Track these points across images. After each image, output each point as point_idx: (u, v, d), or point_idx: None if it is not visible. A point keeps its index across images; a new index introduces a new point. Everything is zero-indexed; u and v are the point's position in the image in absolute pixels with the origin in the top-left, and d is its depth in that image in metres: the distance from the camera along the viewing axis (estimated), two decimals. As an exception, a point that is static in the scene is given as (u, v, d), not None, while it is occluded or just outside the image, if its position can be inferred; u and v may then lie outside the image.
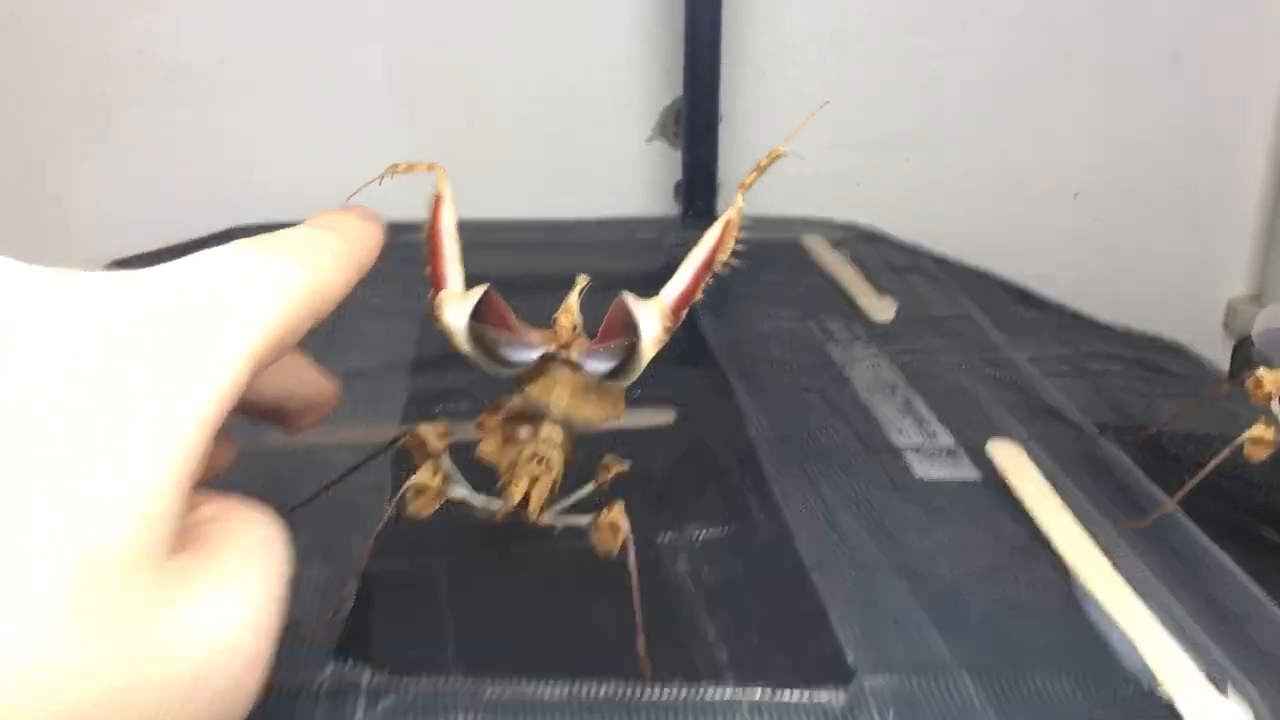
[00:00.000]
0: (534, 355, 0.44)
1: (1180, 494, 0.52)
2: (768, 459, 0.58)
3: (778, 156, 0.43)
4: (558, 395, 0.45)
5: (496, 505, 0.46)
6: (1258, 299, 1.07)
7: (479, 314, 0.44)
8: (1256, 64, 1.01)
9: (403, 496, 0.46)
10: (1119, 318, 0.82)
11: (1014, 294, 0.81)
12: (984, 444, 0.58)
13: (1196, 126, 1.03)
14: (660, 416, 0.64)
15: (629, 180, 0.99)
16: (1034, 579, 0.49)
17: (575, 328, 0.44)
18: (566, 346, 0.44)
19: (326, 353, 0.66)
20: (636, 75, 0.97)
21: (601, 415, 0.46)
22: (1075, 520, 0.52)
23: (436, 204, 0.45)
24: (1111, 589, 0.48)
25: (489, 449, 0.49)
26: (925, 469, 0.57)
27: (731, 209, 0.43)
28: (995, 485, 0.55)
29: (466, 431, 0.54)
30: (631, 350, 0.42)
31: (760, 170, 0.43)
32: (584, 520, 0.45)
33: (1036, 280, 0.88)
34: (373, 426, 0.61)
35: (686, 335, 0.73)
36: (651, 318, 0.43)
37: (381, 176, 0.47)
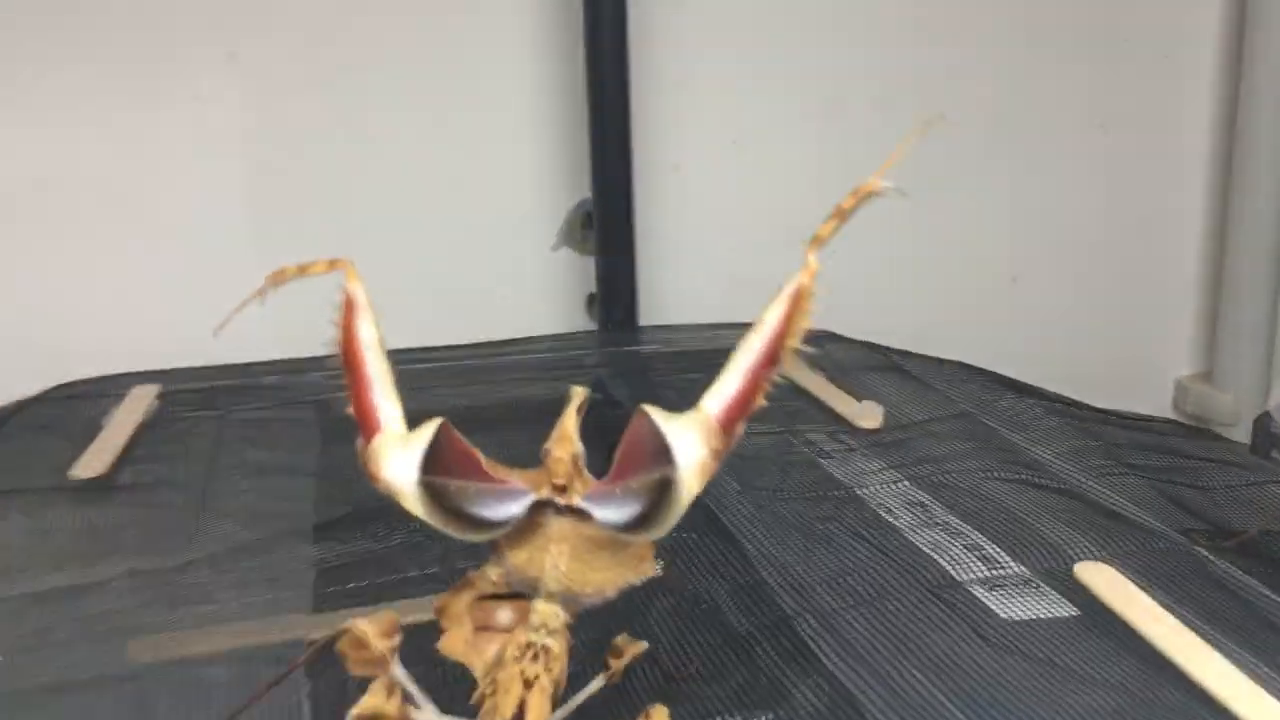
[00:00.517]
0: (521, 507, 0.31)
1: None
2: (799, 614, 0.45)
3: (869, 195, 0.32)
4: (555, 559, 0.32)
5: None
6: (1206, 377, 1.00)
7: (433, 461, 0.31)
8: (1179, 129, 0.96)
9: None
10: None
11: (1005, 385, 0.71)
12: (1062, 569, 0.47)
13: (1129, 200, 0.97)
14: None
15: (534, 295, 0.87)
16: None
17: (576, 460, 0.31)
18: (564, 490, 0.31)
19: (199, 525, 0.51)
20: (536, 177, 0.85)
21: (617, 581, 0.33)
22: (1223, 657, 0.40)
23: (348, 312, 0.32)
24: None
25: (456, 645, 0.34)
26: (1007, 607, 0.45)
27: (803, 274, 0.31)
28: (1101, 620, 0.44)
29: (419, 612, 0.40)
30: (664, 487, 0.30)
31: (843, 216, 0.31)
32: None
33: (998, 361, 0.79)
34: (273, 621, 0.45)
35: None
36: (692, 440, 0.30)
37: (263, 290, 0.34)
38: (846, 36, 0.88)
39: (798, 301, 0.31)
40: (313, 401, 0.70)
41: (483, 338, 0.84)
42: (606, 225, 0.83)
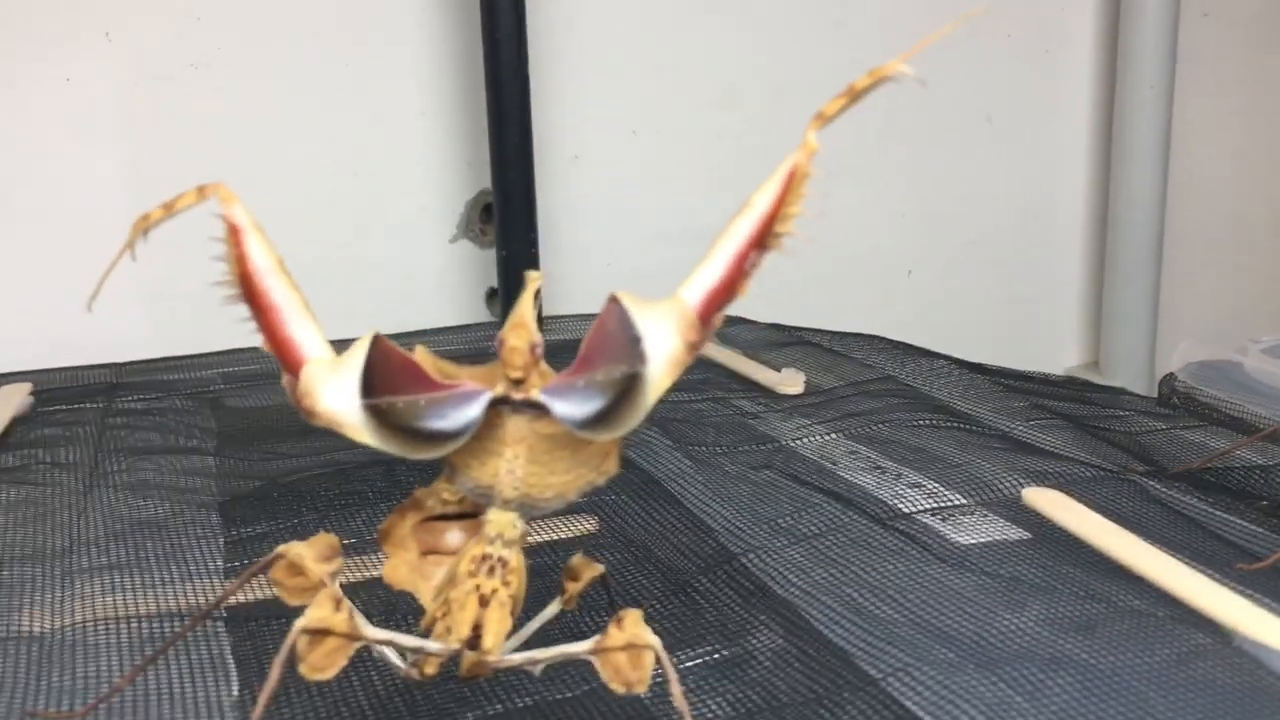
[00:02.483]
0: (479, 409, 0.29)
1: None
2: (746, 552, 0.43)
3: (884, 78, 0.30)
4: (510, 463, 0.29)
5: (435, 647, 0.29)
6: (1094, 366, 1.03)
7: (373, 380, 0.29)
8: (1061, 121, 0.99)
9: (293, 649, 0.28)
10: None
11: (917, 353, 0.70)
12: (1007, 499, 0.46)
13: (1015, 192, 0.99)
14: (576, 525, 0.48)
15: (433, 289, 0.84)
16: (1179, 644, 0.36)
17: (535, 350, 0.28)
18: (521, 383, 0.28)
19: (92, 503, 0.47)
20: (432, 168, 0.82)
21: (578, 483, 0.30)
22: (1183, 563, 0.40)
23: (234, 238, 0.29)
24: (1274, 625, 0.36)
25: (400, 572, 0.32)
26: (959, 532, 0.44)
27: (799, 153, 0.29)
28: (1055, 539, 0.43)
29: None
30: (631, 381, 0.28)
31: (854, 95, 0.29)
32: (580, 649, 0.29)
33: None
34: (183, 586, 0.42)
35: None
36: (666, 330, 0.28)
37: (131, 243, 0.31)
38: (744, 27, 0.88)
39: (791, 183, 0.29)
40: (201, 394, 0.66)
41: (380, 332, 0.80)
42: (507, 217, 0.81)
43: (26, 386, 0.66)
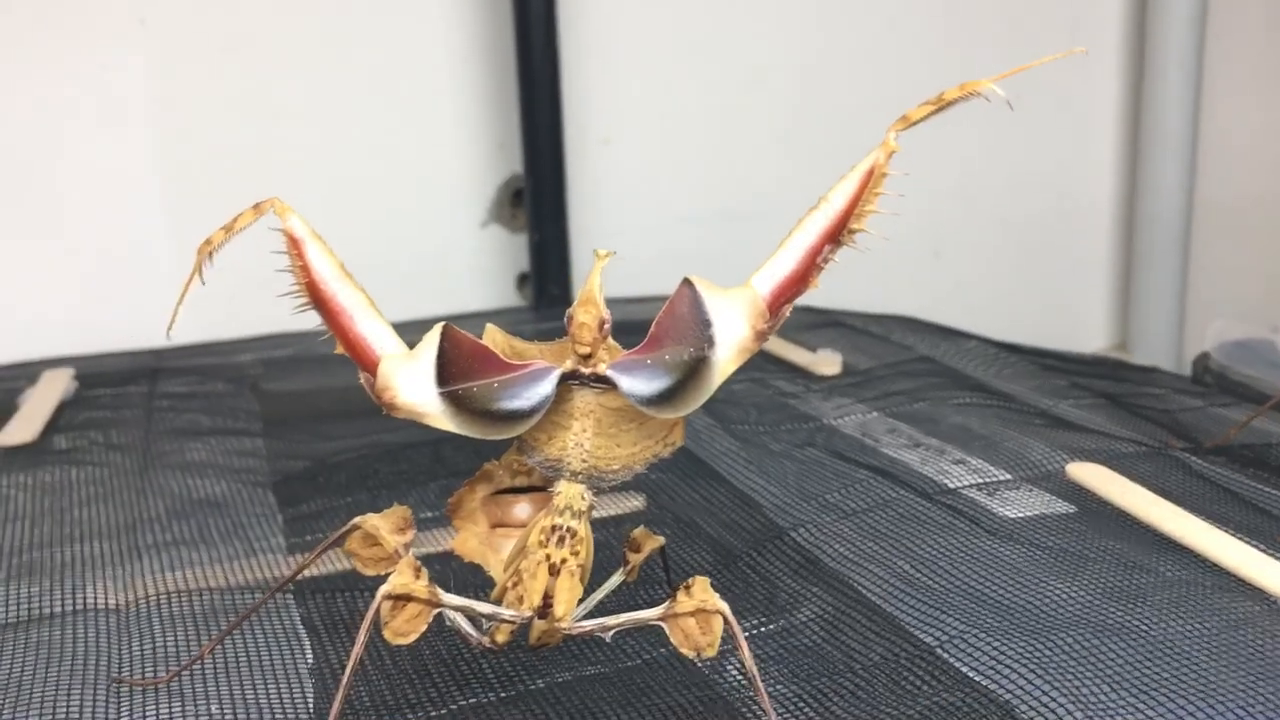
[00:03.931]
0: (550, 385, 0.30)
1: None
2: (796, 527, 0.44)
3: (974, 93, 0.31)
4: (578, 436, 0.30)
5: (509, 614, 0.31)
6: (1122, 348, 1.03)
7: (447, 369, 0.30)
8: (1088, 104, 0.99)
9: (377, 615, 0.29)
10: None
11: (950, 333, 0.71)
12: (1052, 474, 0.47)
13: (1041, 175, 0.99)
14: (625, 503, 0.49)
15: (464, 274, 0.85)
16: (1227, 612, 0.37)
17: (603, 326, 0.30)
18: (589, 358, 0.29)
19: (149, 482, 0.48)
20: (463, 153, 0.83)
21: (645, 455, 0.31)
22: (1227, 534, 0.40)
23: (295, 249, 0.30)
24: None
25: (470, 544, 0.34)
26: (1006, 507, 0.44)
27: (879, 151, 0.30)
28: (1100, 512, 0.44)
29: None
30: (698, 362, 0.29)
31: (942, 105, 0.30)
32: (651, 614, 0.30)
33: None
34: (249, 561, 0.43)
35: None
36: (735, 314, 0.29)
37: (200, 268, 0.31)
38: (772, 8, 0.88)
39: (868, 181, 0.30)
40: (242, 378, 0.67)
41: (411, 317, 0.81)
42: (537, 201, 0.81)
43: (69, 372, 0.67)
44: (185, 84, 0.76)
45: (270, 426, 0.58)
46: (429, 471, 0.52)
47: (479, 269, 0.86)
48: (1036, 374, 0.62)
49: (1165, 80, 0.95)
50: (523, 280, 0.86)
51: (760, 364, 0.66)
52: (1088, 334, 1.05)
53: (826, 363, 0.64)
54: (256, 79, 0.78)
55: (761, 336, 0.29)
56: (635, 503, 0.48)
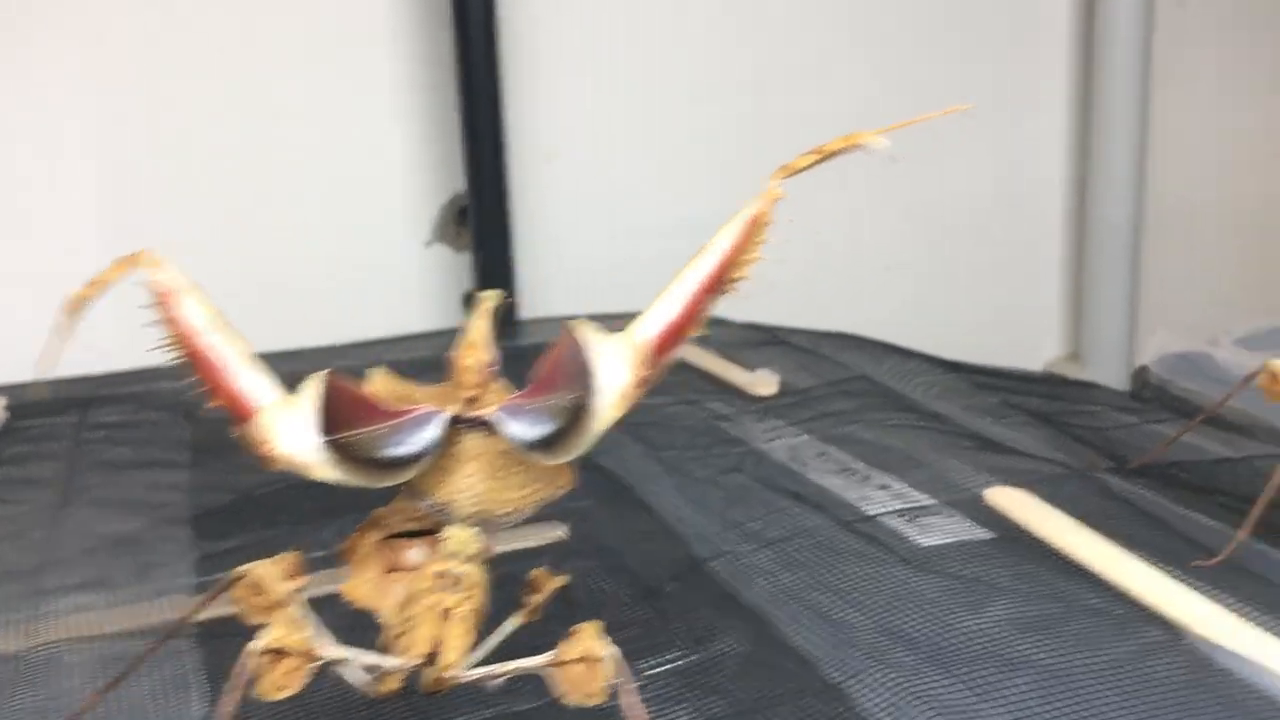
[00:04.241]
0: (437, 430, 0.29)
1: (1252, 517, 0.42)
2: (714, 557, 0.44)
3: (857, 146, 0.31)
4: (468, 479, 0.30)
5: (393, 664, 0.30)
6: (1075, 358, 1.03)
7: (329, 418, 0.29)
8: (1036, 114, 0.99)
9: (245, 670, 0.29)
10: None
11: (891, 351, 0.71)
12: (973, 499, 0.47)
13: (991, 186, 0.99)
14: (546, 533, 0.48)
15: (409, 293, 0.84)
16: (1133, 641, 0.36)
17: (486, 368, 0.29)
18: (475, 401, 0.29)
19: (64, 519, 0.47)
20: (406, 171, 0.83)
21: (534, 498, 0.30)
22: (1141, 561, 0.40)
23: (166, 302, 0.29)
24: (1223, 622, 0.36)
25: (361, 589, 0.32)
26: (923, 534, 0.44)
27: (762, 200, 0.30)
28: (1017, 539, 0.43)
29: (320, 579, 0.37)
30: (580, 409, 0.28)
31: (824, 155, 0.30)
32: (536, 662, 0.30)
33: None
34: (154, 604, 0.42)
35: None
36: (617, 361, 0.29)
37: (65, 325, 0.30)
38: (721, 23, 0.88)
39: (751, 229, 0.30)
40: (177, 406, 0.66)
41: (356, 338, 0.81)
42: (482, 219, 0.81)
43: (1, 400, 0.66)
44: (123, 109, 0.75)
45: (199, 456, 0.57)
46: (353, 504, 0.51)
47: (424, 288, 0.85)
48: (973, 393, 0.62)
49: (1113, 89, 0.95)
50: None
51: (697, 385, 0.65)
52: (1041, 344, 1.05)
53: (764, 383, 0.64)
54: (194, 104, 0.77)
55: (644, 383, 0.29)
56: (557, 533, 0.48)
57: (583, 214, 0.87)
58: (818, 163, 0.29)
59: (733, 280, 0.29)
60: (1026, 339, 1.05)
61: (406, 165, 0.82)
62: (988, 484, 0.48)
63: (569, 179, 0.86)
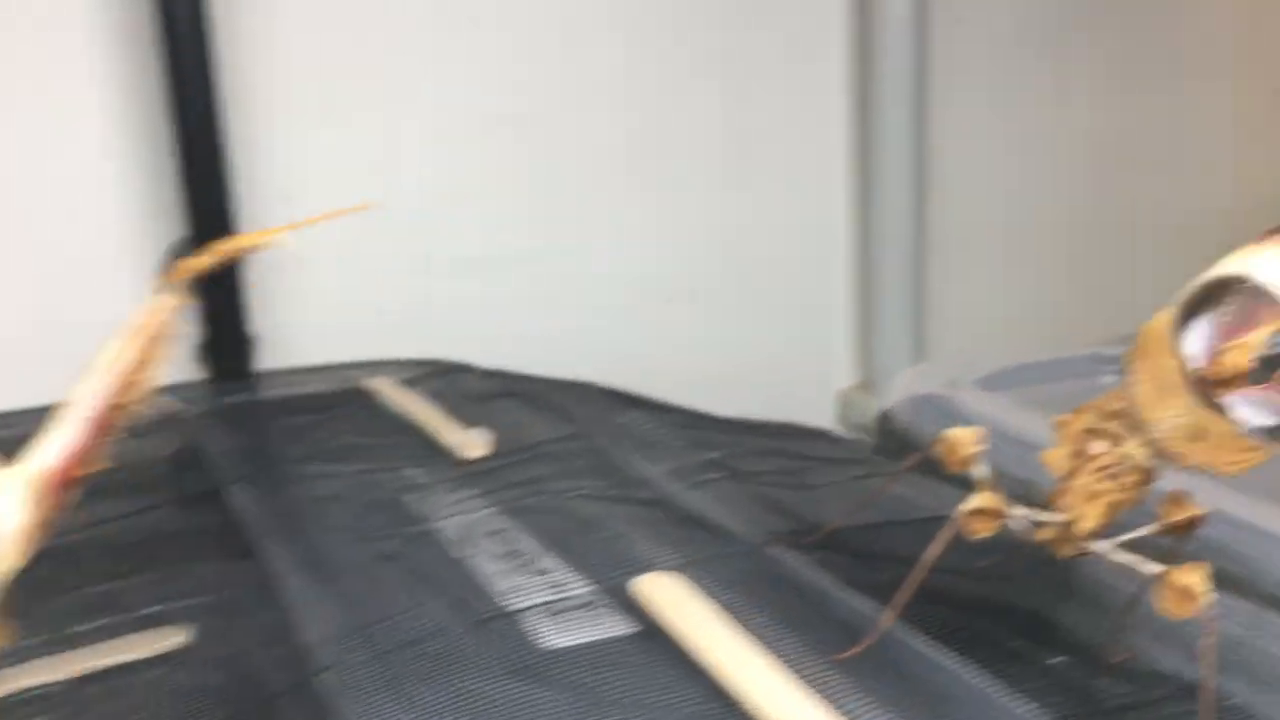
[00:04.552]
0: None
1: (898, 601, 0.39)
2: (330, 670, 0.39)
3: (261, 245, 0.28)
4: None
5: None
6: (867, 387, 1.01)
7: None
8: (816, 140, 0.97)
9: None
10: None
11: (630, 403, 0.67)
12: (625, 587, 0.43)
13: (774, 214, 0.97)
14: (161, 641, 0.43)
15: (134, 347, 0.78)
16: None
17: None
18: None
19: None
20: (127, 214, 0.76)
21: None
22: (772, 661, 0.37)
23: None
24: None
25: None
26: (557, 634, 0.40)
27: (152, 309, 0.29)
28: (655, 637, 0.40)
29: None
30: None
31: (226, 255, 0.26)
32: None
33: (663, 388, 0.76)
34: None
35: (214, 518, 0.53)
36: (11, 497, 0.27)
37: None
38: (478, 50, 0.84)
39: (144, 340, 0.26)
40: None
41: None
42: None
43: None
44: None
45: None
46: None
47: (154, 340, 0.79)
48: (692, 450, 0.58)
49: (889, 112, 0.93)
50: (202, 351, 0.79)
51: (407, 447, 0.61)
52: (833, 373, 1.03)
53: (474, 444, 0.59)
54: None
55: (50, 515, 0.25)
56: (177, 638, 0.43)
57: (325, 257, 0.81)
58: (218, 263, 0.25)
59: (138, 393, 0.25)
60: (818, 368, 1.02)
61: (126, 213, 0.76)
62: (665, 564, 0.44)
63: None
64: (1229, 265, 0.34)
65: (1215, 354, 0.33)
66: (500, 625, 0.41)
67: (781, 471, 0.56)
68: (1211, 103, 1.12)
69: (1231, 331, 0.34)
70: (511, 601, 0.42)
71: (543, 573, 0.45)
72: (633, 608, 0.41)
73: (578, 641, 0.39)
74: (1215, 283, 0.34)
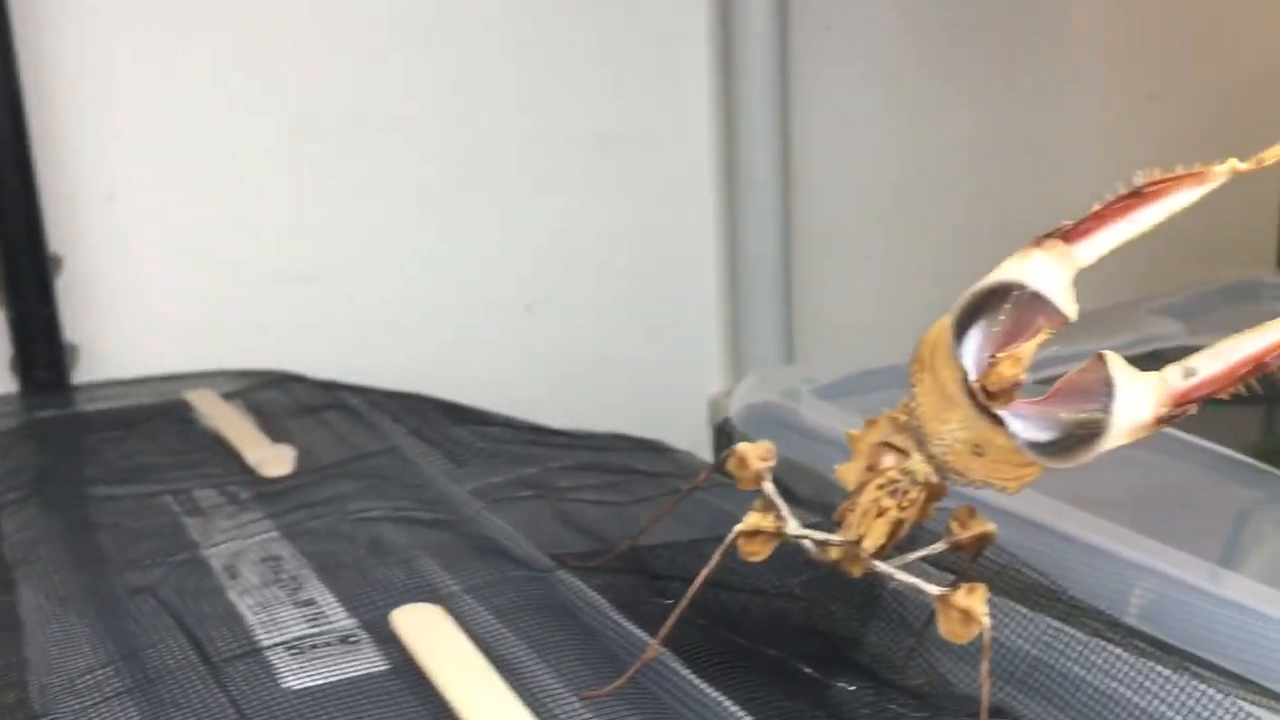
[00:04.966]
0: None
1: (663, 632, 0.36)
2: (47, 714, 0.35)
3: None
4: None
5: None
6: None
7: None
8: (680, 141, 0.94)
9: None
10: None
11: (460, 416, 0.64)
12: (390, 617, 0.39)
13: (639, 217, 0.94)
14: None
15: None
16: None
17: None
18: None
19: None
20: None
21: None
22: (512, 701, 0.34)
23: None
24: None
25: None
26: (299, 674, 0.37)
27: None
28: (406, 674, 0.36)
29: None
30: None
31: None
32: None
33: (523, 399, 0.73)
34: None
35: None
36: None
37: None
38: (318, 43, 0.80)
39: None
40: None
41: None
42: (14, 272, 0.70)
43: None
44: None
45: None
46: None
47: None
48: (507, 467, 0.55)
49: (753, 118, 0.91)
50: (14, 363, 0.74)
51: (211, 464, 0.57)
52: (703, 379, 1.00)
53: (275, 461, 0.56)
54: None
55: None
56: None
57: (150, 262, 0.77)
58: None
59: None
60: (691, 376, 1.00)
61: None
62: (444, 591, 0.41)
63: (135, 224, 0.76)
64: (1004, 271, 0.32)
65: (988, 365, 0.31)
66: (241, 665, 0.37)
67: (598, 487, 0.53)
68: (1086, 107, 1.12)
69: (1006, 340, 0.31)
70: (261, 638, 0.39)
71: (305, 604, 0.41)
72: (391, 642, 0.38)
73: (319, 682, 0.36)
74: (990, 289, 0.32)
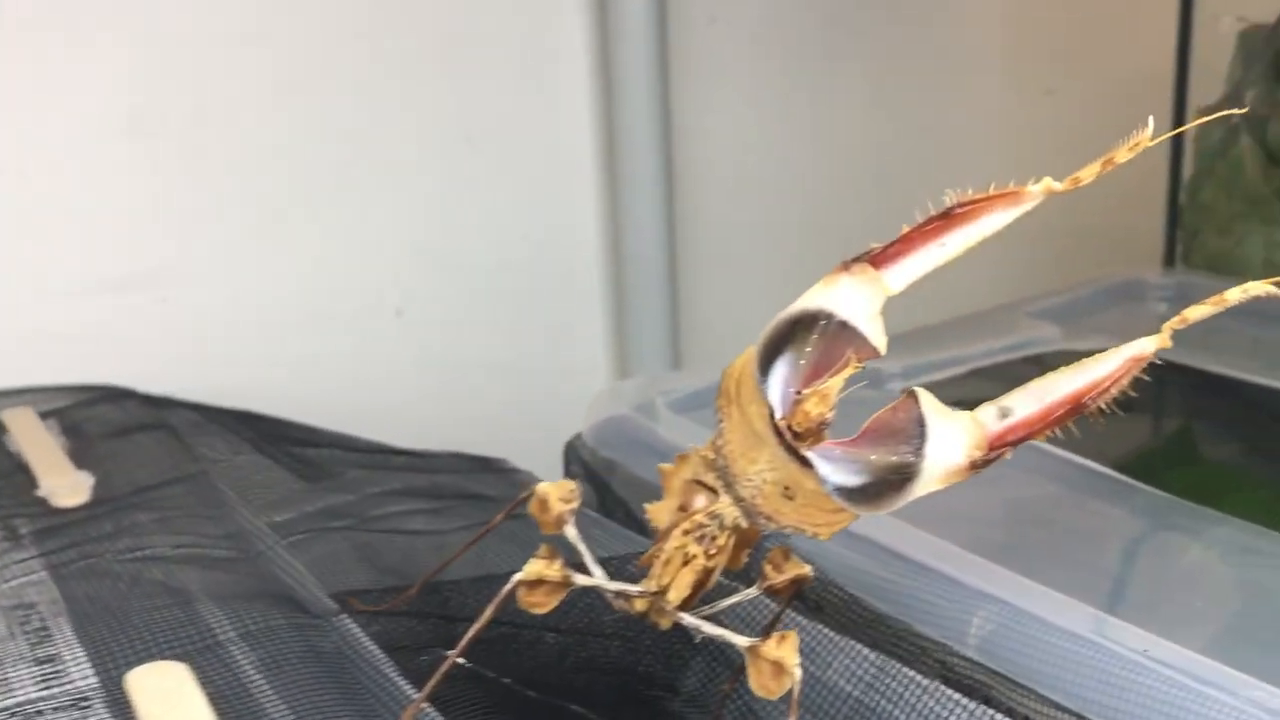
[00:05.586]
0: None
1: (430, 685, 0.32)
2: None
3: None
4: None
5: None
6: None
7: None
8: (556, 140, 0.90)
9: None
10: (474, 447, 0.65)
11: (290, 437, 0.59)
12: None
13: (513, 218, 0.90)
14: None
15: None
16: None
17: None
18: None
19: None
20: None
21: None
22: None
23: None
24: None
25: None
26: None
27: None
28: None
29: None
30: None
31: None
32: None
33: (372, 414, 0.69)
34: None
35: None
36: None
37: None
38: (149, 43, 0.75)
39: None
40: None
41: None
42: None
43: None
44: None
45: None
46: None
47: None
48: (323, 494, 0.51)
49: (633, 115, 0.87)
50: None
51: (6, 489, 0.52)
52: (589, 385, 0.97)
53: (69, 491, 0.51)
54: None
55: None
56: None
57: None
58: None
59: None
60: (572, 377, 0.96)
61: None
62: (210, 640, 0.37)
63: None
64: (810, 298, 0.29)
65: (794, 401, 0.28)
66: (-49, 735, 0.33)
67: (423, 513, 0.49)
68: (983, 101, 1.10)
69: (814, 373, 0.28)
70: (-15, 702, 0.34)
71: (45, 661, 0.37)
72: (125, 705, 0.34)
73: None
74: (795, 317, 0.28)
